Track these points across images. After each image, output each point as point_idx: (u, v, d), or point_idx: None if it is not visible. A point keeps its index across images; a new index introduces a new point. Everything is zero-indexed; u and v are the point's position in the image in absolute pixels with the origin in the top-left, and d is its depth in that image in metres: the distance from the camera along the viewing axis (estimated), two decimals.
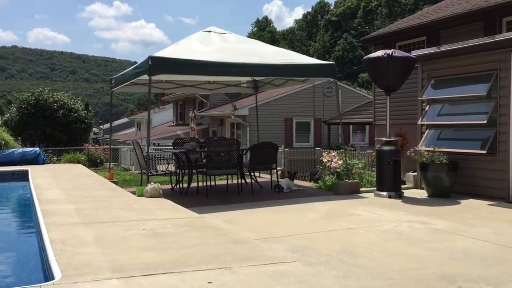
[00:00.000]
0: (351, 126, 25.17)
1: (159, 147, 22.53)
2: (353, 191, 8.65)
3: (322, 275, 3.71)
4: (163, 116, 41.59)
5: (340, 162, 9.37)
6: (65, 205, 6.37)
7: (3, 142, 12.76)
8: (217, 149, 8.69)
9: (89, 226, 5.03)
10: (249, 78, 11.48)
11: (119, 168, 18.78)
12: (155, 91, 12.60)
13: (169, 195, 8.32)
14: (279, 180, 9.43)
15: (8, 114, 19.77)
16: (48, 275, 3.81)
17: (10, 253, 5.58)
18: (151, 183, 7.50)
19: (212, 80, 11.51)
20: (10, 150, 12.74)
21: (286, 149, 16.48)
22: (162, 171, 10.33)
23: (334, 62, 9.24)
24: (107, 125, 52.59)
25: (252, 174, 9.81)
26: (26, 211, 7.78)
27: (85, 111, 20.34)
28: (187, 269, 3.55)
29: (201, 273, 3.48)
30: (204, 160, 9.49)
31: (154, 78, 8.02)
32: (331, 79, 9.17)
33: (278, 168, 9.88)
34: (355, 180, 9.02)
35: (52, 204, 6.43)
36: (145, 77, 8.02)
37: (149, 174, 8.39)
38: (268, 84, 11.62)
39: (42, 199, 6.75)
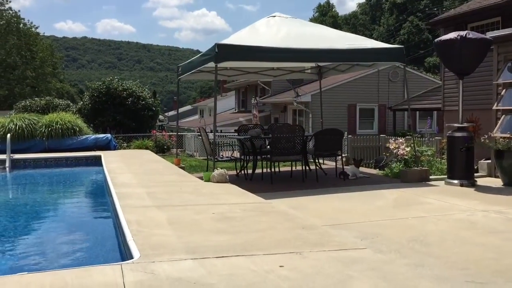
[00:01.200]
0: (417, 112, 24.37)
1: (222, 133, 22.88)
2: (422, 179, 8.39)
3: (394, 262, 3.65)
4: (226, 104, 42.17)
5: (408, 149, 9.10)
6: (138, 189, 6.64)
7: (77, 129, 13.44)
8: (281, 135, 8.71)
9: (162, 209, 5.22)
10: (313, 64, 11.37)
11: (185, 154, 19.30)
12: (220, 78, 12.79)
13: (234, 180, 8.44)
14: (344, 167, 9.32)
15: (82, 102, 20.81)
16: (125, 254, 3.99)
17: (88, 233, 5.91)
18: (218, 168, 7.65)
19: (276, 67, 11.51)
20: (84, 136, 13.40)
21: (350, 136, 16.24)
22: (227, 157, 10.51)
23: (402, 46, 8.94)
24: (171, 113, 54.10)
25: (317, 160, 9.75)
26: (100, 194, 8.20)
27: (152, 99, 21.01)
28: (258, 253, 3.60)
29: (272, 256, 3.52)
30: (268, 147, 9.55)
31: (219, 65, 8.12)
32: (399, 64, 8.86)
33: (343, 155, 9.76)
34: (424, 168, 8.74)
35: (126, 187, 6.72)
36: (211, 64, 8.15)
37: (215, 160, 8.56)
38: (333, 69, 11.46)
39: (116, 183, 7.06)
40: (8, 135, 11.63)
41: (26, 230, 6.08)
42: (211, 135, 10.56)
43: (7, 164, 10.71)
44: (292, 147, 8.63)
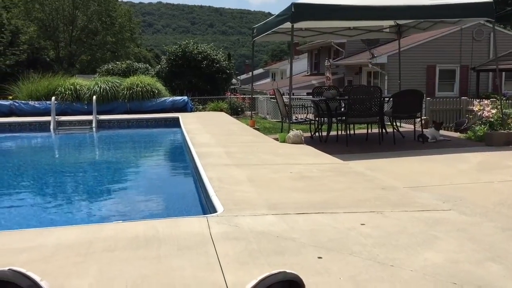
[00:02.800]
0: (503, 73, 22.76)
1: (295, 96, 22.77)
2: (508, 143, 7.93)
3: (481, 225, 3.52)
4: (298, 66, 41.65)
5: (493, 111, 8.62)
6: (216, 148, 6.84)
7: (156, 91, 13.92)
8: (358, 97, 8.53)
9: (240, 168, 5.35)
10: (392, 22, 10.91)
11: (258, 117, 19.48)
12: (295, 39, 12.64)
13: (309, 142, 8.42)
14: (423, 129, 9.00)
15: (159, 66, 21.47)
16: (208, 209, 4.17)
17: (170, 188, 6.23)
18: (293, 130, 7.67)
19: (352, 26, 11.16)
20: (163, 99, 13.88)
21: (428, 98, 15.57)
22: (301, 118, 10.49)
23: (491, 0, 8.32)
24: (243, 76, 54.49)
25: (394, 123, 9.49)
26: (179, 153, 8.55)
27: (226, 62, 21.22)
28: (338, 211, 3.62)
29: (352, 215, 3.53)
30: (343, 109, 9.40)
31: (295, 25, 8.02)
32: (485, 21, 8.29)
33: (422, 117, 9.42)
34: (511, 131, 8.25)
35: (204, 147, 6.94)
36: (287, 25, 8.06)
37: (290, 122, 8.58)
38: (413, 28, 10.92)
39: (195, 143, 7.31)
40: (94, 97, 12.31)
41: (115, 184, 6.51)
42: (285, 97, 10.55)
43: (93, 125, 11.41)
44: (369, 108, 8.44)
